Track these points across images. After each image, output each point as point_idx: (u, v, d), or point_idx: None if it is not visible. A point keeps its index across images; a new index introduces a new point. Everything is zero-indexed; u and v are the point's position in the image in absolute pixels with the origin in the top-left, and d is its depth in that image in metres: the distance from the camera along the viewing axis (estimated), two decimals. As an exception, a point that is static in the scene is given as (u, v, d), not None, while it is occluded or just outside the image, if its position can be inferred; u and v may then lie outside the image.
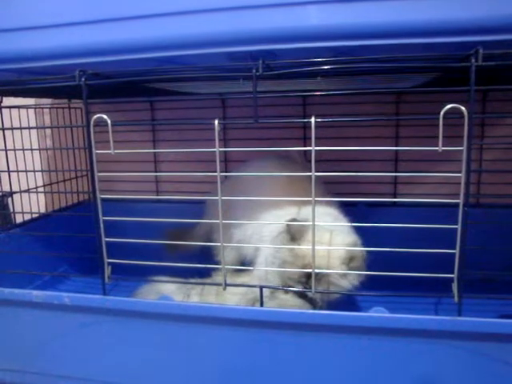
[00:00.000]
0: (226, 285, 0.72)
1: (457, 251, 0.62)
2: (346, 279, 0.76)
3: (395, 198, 1.25)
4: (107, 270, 0.74)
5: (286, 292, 0.77)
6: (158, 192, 1.43)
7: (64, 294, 0.73)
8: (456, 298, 0.63)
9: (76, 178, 1.33)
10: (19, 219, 1.13)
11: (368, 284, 0.78)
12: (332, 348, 0.66)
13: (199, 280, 0.87)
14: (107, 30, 0.64)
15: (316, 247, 0.67)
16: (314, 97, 1.23)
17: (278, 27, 0.58)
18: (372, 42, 0.58)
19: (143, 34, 0.63)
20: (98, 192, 0.71)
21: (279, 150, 0.68)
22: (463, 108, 0.57)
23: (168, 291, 0.90)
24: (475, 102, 0.58)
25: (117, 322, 0.73)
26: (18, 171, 1.06)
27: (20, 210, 1.13)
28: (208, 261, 0.80)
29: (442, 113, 0.58)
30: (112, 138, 0.68)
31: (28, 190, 1.17)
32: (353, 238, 0.78)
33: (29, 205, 1.20)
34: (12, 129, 0.93)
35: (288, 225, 0.78)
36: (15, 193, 1.11)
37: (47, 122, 1.43)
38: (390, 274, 0.65)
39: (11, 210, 1.10)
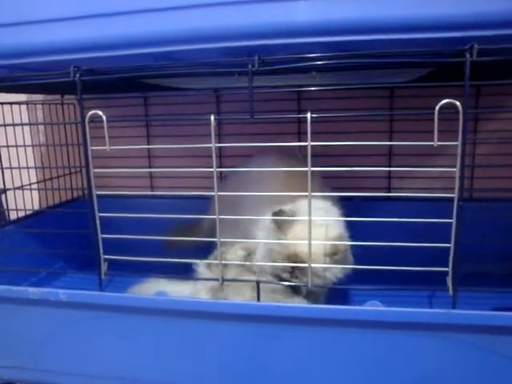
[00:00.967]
0: (223, 280, 0.72)
1: (451, 245, 0.63)
2: (330, 272, 0.76)
3: (389, 192, 1.26)
4: (103, 267, 0.74)
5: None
6: (152, 187, 1.42)
7: (60, 290, 0.73)
8: (451, 292, 0.64)
9: (70, 174, 1.32)
10: (13, 216, 1.13)
11: (362, 278, 0.78)
12: (327, 342, 0.66)
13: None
14: (101, 25, 0.64)
15: (300, 241, 0.67)
16: (308, 91, 1.23)
17: (274, 22, 0.58)
18: (367, 37, 0.58)
19: (137, 29, 0.63)
20: (93, 188, 0.71)
21: (275, 145, 0.68)
22: (458, 103, 0.57)
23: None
24: (469, 97, 0.58)
25: (114, 318, 0.73)
26: (11, 168, 1.05)
27: (14, 207, 1.13)
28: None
29: (437, 108, 0.58)
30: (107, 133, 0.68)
31: (22, 187, 1.16)
32: (338, 231, 0.78)
33: (22, 202, 1.19)
34: (5, 125, 0.92)
35: (274, 215, 0.79)
36: (8, 190, 1.10)
37: (40, 117, 1.42)
38: (383, 268, 0.66)
39: (5, 207, 1.10)
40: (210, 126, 0.65)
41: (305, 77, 0.86)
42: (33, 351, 0.79)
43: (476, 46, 0.55)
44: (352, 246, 0.75)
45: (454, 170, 0.60)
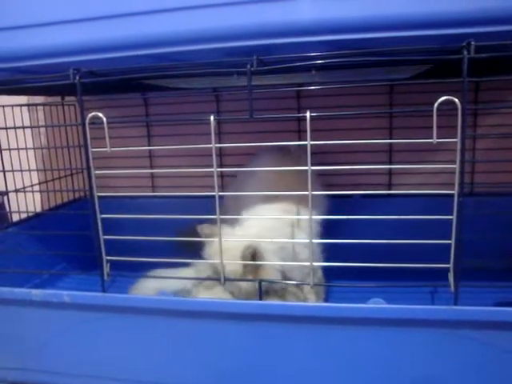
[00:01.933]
0: (225, 279, 0.72)
1: (452, 241, 0.63)
2: (248, 275, 0.78)
3: (390, 188, 1.26)
4: (106, 268, 0.74)
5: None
6: (153, 187, 1.43)
7: (63, 292, 0.74)
8: (452, 288, 0.64)
9: (71, 175, 1.32)
10: (15, 218, 1.13)
11: (364, 275, 0.78)
12: (331, 339, 0.67)
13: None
14: (101, 27, 0.64)
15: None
16: (308, 89, 1.23)
17: (272, 22, 0.59)
18: (364, 36, 0.58)
19: (137, 31, 0.63)
20: (95, 190, 0.72)
21: (274, 145, 0.68)
22: (457, 100, 0.58)
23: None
24: (468, 92, 0.58)
25: (117, 319, 0.74)
26: (13, 170, 1.05)
27: (16, 209, 1.13)
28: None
29: (435, 105, 0.58)
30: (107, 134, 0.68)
31: (23, 189, 1.17)
32: (246, 243, 0.79)
33: (24, 203, 1.20)
34: (6, 128, 0.93)
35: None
36: (10, 192, 1.11)
37: (41, 119, 1.43)
38: (385, 265, 0.66)
39: (7, 209, 1.10)
40: (210, 124, 0.65)
41: (304, 75, 0.86)
42: (36, 353, 0.80)
43: (473, 42, 0.56)
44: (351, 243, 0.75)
45: (454, 166, 0.60)
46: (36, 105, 1.37)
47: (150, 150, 1.39)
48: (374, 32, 0.58)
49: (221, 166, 1.32)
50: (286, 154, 1.00)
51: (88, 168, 0.71)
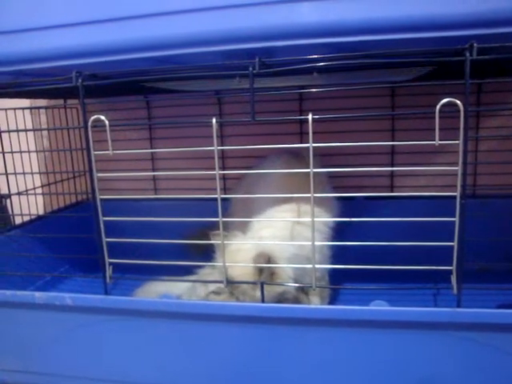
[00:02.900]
0: (228, 282, 0.72)
1: (455, 243, 0.63)
2: (259, 291, 0.75)
3: (392, 190, 1.25)
4: (108, 270, 0.74)
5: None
6: (155, 190, 1.43)
7: (66, 294, 0.74)
8: (455, 290, 0.64)
9: (74, 177, 1.32)
10: (18, 221, 1.13)
11: (367, 277, 0.78)
12: (334, 342, 0.66)
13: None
14: (103, 30, 0.64)
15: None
16: (310, 92, 1.23)
17: (274, 25, 0.59)
18: (367, 38, 0.59)
19: (139, 33, 0.63)
20: (97, 192, 0.72)
21: (276, 147, 0.68)
22: (459, 102, 0.57)
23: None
24: (470, 94, 0.58)
25: (119, 321, 0.74)
26: (15, 173, 1.06)
27: (19, 212, 1.13)
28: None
29: (438, 107, 0.58)
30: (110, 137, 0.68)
31: (26, 192, 1.17)
32: (259, 250, 0.78)
33: (27, 206, 1.20)
34: (9, 131, 0.93)
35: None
36: (13, 195, 1.11)
37: (43, 121, 1.43)
38: (387, 267, 0.66)
39: (10, 212, 1.10)
40: (212, 127, 0.65)
41: (306, 77, 0.86)
42: (38, 355, 0.80)
43: (476, 44, 0.56)
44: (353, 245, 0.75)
45: (456, 168, 0.60)
46: (39, 108, 1.37)
47: (152, 153, 1.39)
48: (376, 34, 0.58)
49: (223, 168, 1.32)
50: (296, 157, 0.99)
51: (90, 171, 0.71)
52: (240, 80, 0.73)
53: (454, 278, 0.64)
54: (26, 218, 1.14)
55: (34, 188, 1.22)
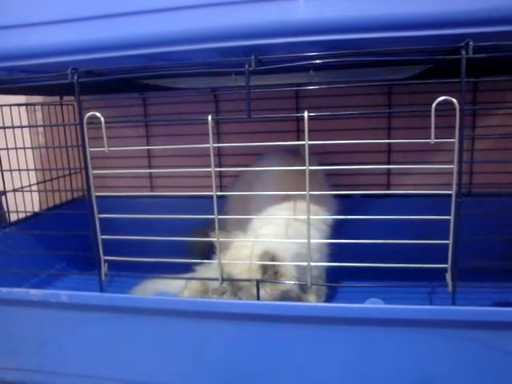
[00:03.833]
0: (223, 279, 0.72)
1: (450, 241, 0.63)
2: (263, 290, 0.76)
3: (388, 188, 1.26)
4: (104, 268, 0.74)
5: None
6: (151, 187, 1.42)
7: (61, 291, 0.74)
8: (450, 288, 0.64)
9: (70, 174, 1.32)
10: (13, 218, 1.13)
11: (362, 275, 0.78)
12: (329, 340, 0.67)
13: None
14: (98, 27, 0.64)
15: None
16: (306, 89, 1.23)
17: (270, 22, 0.59)
18: (362, 36, 0.59)
19: (135, 30, 0.63)
20: (92, 190, 0.72)
21: (272, 144, 0.68)
22: (455, 100, 0.58)
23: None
24: (466, 93, 0.58)
25: (114, 319, 0.74)
26: (11, 170, 1.05)
27: (14, 209, 1.13)
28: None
29: (433, 105, 0.58)
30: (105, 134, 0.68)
31: (22, 189, 1.16)
32: (264, 249, 0.78)
33: (23, 203, 1.20)
34: (4, 128, 0.92)
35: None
36: (8, 191, 1.11)
37: (39, 118, 1.42)
38: (383, 265, 0.66)
39: (5, 209, 1.10)
40: (208, 125, 0.65)
41: (303, 75, 0.86)
42: (34, 353, 0.80)
43: (471, 42, 0.56)
44: (345, 244, 0.75)
45: (452, 166, 0.60)
46: (34, 104, 1.37)
47: (148, 150, 1.39)
48: (372, 32, 0.58)
49: (219, 166, 1.32)
50: (294, 155, 0.99)
51: (86, 168, 0.71)
52: (236, 77, 0.73)
53: (449, 276, 0.64)
54: (22, 215, 1.14)
55: (30, 185, 1.22)
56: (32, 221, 1.15)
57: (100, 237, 0.73)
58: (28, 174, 1.22)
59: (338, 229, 0.91)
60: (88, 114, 0.68)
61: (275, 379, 0.70)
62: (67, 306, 0.74)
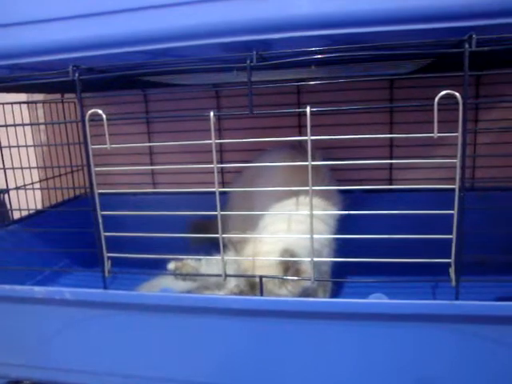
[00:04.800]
0: (226, 275, 0.72)
1: (453, 236, 0.63)
2: (284, 288, 0.76)
3: (391, 183, 1.25)
4: (107, 264, 0.74)
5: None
6: (154, 184, 1.43)
7: (65, 289, 0.74)
8: (453, 282, 0.64)
9: (72, 172, 1.32)
10: (16, 216, 1.13)
11: (365, 270, 0.78)
12: (332, 335, 0.67)
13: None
14: (99, 23, 0.63)
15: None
16: (308, 85, 1.23)
17: (272, 17, 0.58)
18: (365, 30, 0.58)
19: (136, 26, 0.62)
20: (95, 187, 0.72)
21: (274, 140, 0.68)
22: (457, 94, 0.57)
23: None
24: (469, 87, 0.58)
25: (118, 315, 0.74)
26: (13, 168, 1.05)
27: (17, 207, 1.13)
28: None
29: (436, 99, 0.58)
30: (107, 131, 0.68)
31: (24, 186, 1.17)
32: (284, 247, 0.78)
33: (25, 201, 1.20)
34: (6, 126, 0.92)
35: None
36: (11, 189, 1.11)
37: (40, 116, 1.43)
38: (386, 260, 0.66)
39: (8, 207, 1.10)
40: (210, 121, 0.65)
41: (304, 70, 0.86)
42: (38, 349, 0.80)
43: (475, 35, 0.55)
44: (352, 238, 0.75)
45: (455, 160, 0.60)
46: (36, 102, 1.37)
47: (150, 147, 1.39)
48: (373, 26, 0.57)
49: (221, 162, 1.32)
50: (299, 150, 0.99)
51: (88, 165, 0.71)
52: (237, 73, 0.72)
53: (452, 271, 0.64)
54: (25, 213, 1.14)
55: (32, 183, 1.22)
56: (35, 218, 1.15)
57: (103, 234, 0.73)
58: (30, 171, 1.22)
59: (340, 224, 0.91)
60: (90, 111, 0.68)
61: (279, 374, 0.70)
62: (71, 303, 0.74)
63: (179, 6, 0.60)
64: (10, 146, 1.06)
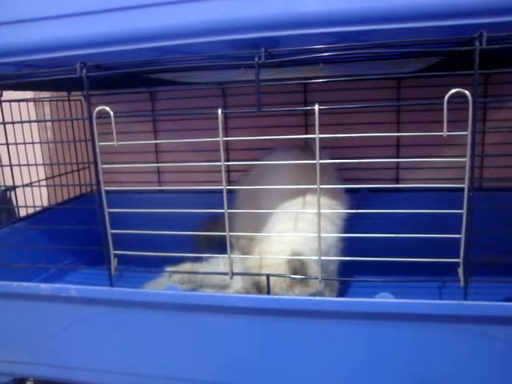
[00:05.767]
0: (233, 274, 0.72)
1: (462, 236, 0.62)
2: (292, 291, 0.76)
3: (398, 183, 1.25)
4: (113, 262, 0.74)
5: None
6: (160, 182, 1.43)
7: (71, 286, 0.74)
8: (462, 282, 0.64)
9: (78, 170, 1.33)
10: (23, 213, 1.13)
11: (373, 269, 0.78)
12: (339, 334, 0.66)
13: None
14: (107, 20, 0.63)
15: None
16: (315, 83, 1.22)
17: (280, 14, 0.58)
18: (374, 27, 0.58)
19: (144, 23, 0.62)
20: (102, 184, 0.72)
21: (281, 138, 0.68)
22: (468, 92, 0.57)
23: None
24: (478, 85, 0.58)
25: (124, 313, 0.74)
26: (19, 165, 1.06)
27: (23, 204, 1.13)
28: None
29: (446, 98, 0.57)
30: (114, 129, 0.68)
31: (31, 184, 1.17)
32: (292, 248, 0.78)
33: (32, 198, 1.20)
34: (13, 123, 0.93)
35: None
36: (18, 187, 1.11)
37: (47, 114, 1.43)
38: (393, 259, 0.66)
39: (14, 204, 1.10)
40: (216, 119, 0.65)
41: (311, 69, 0.86)
42: (44, 347, 0.80)
43: (485, 33, 0.55)
44: (359, 237, 0.75)
45: (464, 160, 0.60)
46: (42, 100, 1.37)
47: (156, 146, 1.39)
48: (382, 23, 0.57)
49: (228, 161, 1.31)
50: (305, 151, 0.98)
51: (95, 162, 0.71)
52: (245, 71, 0.72)
53: (460, 271, 0.64)
54: (31, 210, 1.15)
55: (39, 180, 1.22)
56: (41, 216, 1.15)
57: (109, 231, 0.73)
58: (37, 169, 1.22)
59: (347, 224, 0.91)
60: (97, 109, 0.68)
61: (284, 373, 0.70)
62: (77, 300, 0.74)
63: (187, 2, 0.60)
64: (16, 144, 1.06)
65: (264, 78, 0.99)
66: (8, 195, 1.11)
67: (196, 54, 0.67)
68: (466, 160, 0.60)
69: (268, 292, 0.71)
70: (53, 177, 1.29)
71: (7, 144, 1.04)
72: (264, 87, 0.64)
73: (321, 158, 0.65)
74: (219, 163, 0.67)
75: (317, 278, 0.70)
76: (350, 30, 0.58)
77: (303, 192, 0.85)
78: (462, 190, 0.61)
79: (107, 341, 0.76)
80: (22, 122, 1.02)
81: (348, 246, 0.86)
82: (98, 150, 0.70)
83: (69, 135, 1.29)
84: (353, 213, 0.84)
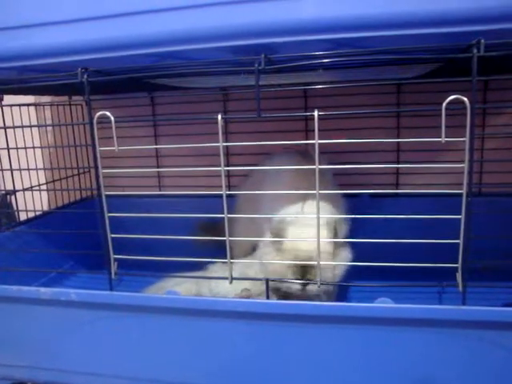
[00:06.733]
0: (233, 278, 0.72)
1: (461, 241, 0.62)
2: (332, 272, 0.77)
3: (397, 188, 1.25)
4: (113, 266, 0.74)
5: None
6: (160, 187, 1.43)
7: (71, 290, 0.74)
8: (460, 288, 0.64)
9: (78, 174, 1.33)
10: (23, 217, 1.14)
11: (372, 274, 0.78)
12: (337, 339, 0.66)
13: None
14: (108, 26, 0.64)
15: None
16: (315, 89, 1.23)
17: (280, 20, 0.58)
18: (373, 34, 0.58)
19: (144, 29, 0.63)
20: (102, 189, 0.72)
21: (281, 143, 0.68)
22: (465, 99, 0.57)
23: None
24: (476, 92, 0.58)
25: (124, 317, 0.74)
26: (20, 169, 1.06)
27: (23, 208, 1.13)
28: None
29: (444, 104, 0.58)
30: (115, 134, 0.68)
31: (31, 188, 1.17)
32: (327, 230, 0.79)
33: (32, 202, 1.20)
34: (14, 127, 0.93)
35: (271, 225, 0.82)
36: (18, 191, 1.11)
37: (48, 118, 1.43)
38: (392, 264, 0.66)
39: (14, 208, 1.11)
40: (217, 124, 0.65)
41: (312, 74, 0.86)
42: (43, 351, 0.80)
43: (483, 40, 0.55)
44: (358, 243, 0.75)
45: (463, 165, 0.60)
46: (43, 104, 1.38)
47: (156, 150, 1.39)
48: (381, 30, 0.58)
49: (228, 165, 1.32)
50: (304, 156, 0.98)
51: (96, 166, 0.71)
52: (245, 76, 0.73)
53: (459, 276, 0.64)
54: (31, 215, 1.15)
55: (39, 185, 1.22)
56: (41, 220, 1.15)
57: (110, 235, 0.73)
58: (37, 173, 1.23)
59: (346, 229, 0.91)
60: (98, 114, 0.68)
61: (283, 377, 0.70)
62: (77, 305, 0.74)
63: (188, 9, 0.61)
64: (17, 148, 1.06)
65: (264, 83, 1.00)
66: (8, 199, 1.11)
67: (196, 60, 0.68)
68: (465, 165, 0.60)
69: (267, 296, 0.71)
70: (53, 181, 1.29)
71: (8, 148, 1.04)
72: (264, 92, 0.65)
73: (320, 164, 0.65)
74: (219, 168, 0.67)
75: (316, 283, 0.71)
76: (350, 37, 0.59)
77: (302, 197, 0.85)
78: (462, 195, 0.61)
79: (107, 345, 0.76)
80: (22, 127, 1.02)
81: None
82: (98, 155, 0.71)
83: (69, 139, 1.30)
84: (352, 217, 0.84)
